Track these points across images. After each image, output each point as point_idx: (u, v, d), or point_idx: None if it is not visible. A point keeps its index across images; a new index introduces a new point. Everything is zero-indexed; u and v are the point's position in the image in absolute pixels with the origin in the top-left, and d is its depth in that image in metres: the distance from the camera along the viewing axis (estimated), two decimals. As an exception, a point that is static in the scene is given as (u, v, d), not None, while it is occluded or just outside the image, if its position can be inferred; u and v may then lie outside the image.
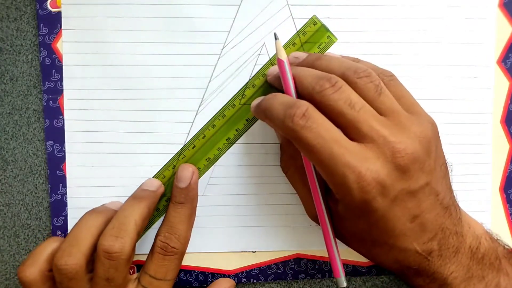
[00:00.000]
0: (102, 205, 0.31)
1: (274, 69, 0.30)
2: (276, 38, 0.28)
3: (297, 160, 0.29)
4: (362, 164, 0.24)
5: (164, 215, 0.30)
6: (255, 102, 0.29)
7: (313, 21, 0.31)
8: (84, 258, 0.27)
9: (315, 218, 0.29)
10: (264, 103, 0.27)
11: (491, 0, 0.33)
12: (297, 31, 0.32)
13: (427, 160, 0.25)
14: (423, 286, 0.27)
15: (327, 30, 0.31)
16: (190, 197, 0.29)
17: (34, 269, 0.27)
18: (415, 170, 0.24)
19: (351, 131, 0.25)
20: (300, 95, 0.27)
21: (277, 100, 0.26)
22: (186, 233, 0.29)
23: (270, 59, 0.32)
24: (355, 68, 0.26)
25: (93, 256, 0.28)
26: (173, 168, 0.31)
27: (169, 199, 0.30)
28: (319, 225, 0.29)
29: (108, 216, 0.29)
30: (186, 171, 0.30)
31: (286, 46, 0.31)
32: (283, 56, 0.28)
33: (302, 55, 0.30)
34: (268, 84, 0.31)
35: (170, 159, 0.32)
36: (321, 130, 0.24)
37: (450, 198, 0.26)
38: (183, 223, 0.29)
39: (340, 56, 0.30)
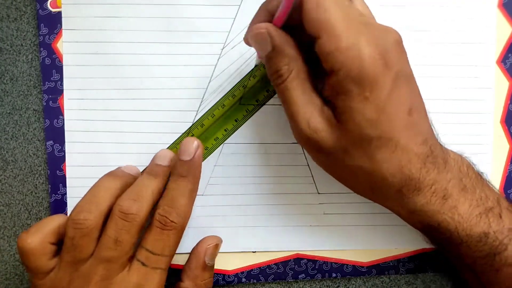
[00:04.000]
0: (118, 168, 0.30)
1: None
2: None
3: (298, 61, 0.26)
4: (371, 36, 0.24)
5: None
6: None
7: None
8: (101, 217, 0.27)
9: (305, 137, 0.26)
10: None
11: (491, 0, 0.33)
12: None
13: (406, 56, 0.26)
14: (427, 204, 0.26)
15: None
16: (193, 171, 0.28)
17: (36, 238, 0.27)
18: (405, 54, 0.26)
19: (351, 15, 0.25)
20: None
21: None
22: (186, 207, 0.28)
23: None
24: None
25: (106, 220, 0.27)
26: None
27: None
28: (314, 146, 0.26)
29: (125, 181, 0.29)
30: (191, 144, 0.28)
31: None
32: None
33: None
34: (265, 79, 0.31)
35: (179, 137, 0.31)
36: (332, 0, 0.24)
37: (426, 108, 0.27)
38: (184, 197, 0.28)
39: None
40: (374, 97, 0.24)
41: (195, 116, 0.32)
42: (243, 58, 0.32)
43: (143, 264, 0.27)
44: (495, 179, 0.34)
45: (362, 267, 0.33)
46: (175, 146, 0.31)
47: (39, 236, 0.27)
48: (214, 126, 0.32)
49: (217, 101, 0.32)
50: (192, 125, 0.31)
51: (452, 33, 0.33)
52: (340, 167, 0.27)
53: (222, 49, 0.32)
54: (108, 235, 0.26)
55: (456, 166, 0.27)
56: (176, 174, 0.28)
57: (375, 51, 0.24)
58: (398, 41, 0.25)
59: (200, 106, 0.32)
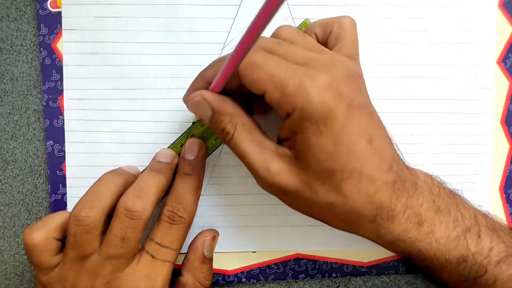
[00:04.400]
0: (119, 168, 0.31)
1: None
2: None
3: (241, 115, 0.27)
4: (313, 72, 0.24)
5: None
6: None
7: (305, 24, 0.32)
8: (103, 214, 0.27)
9: (268, 183, 0.26)
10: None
11: (491, 0, 0.33)
12: None
13: (363, 81, 0.26)
14: (404, 232, 0.26)
15: None
16: (197, 169, 0.29)
17: (41, 233, 0.27)
18: (360, 83, 0.26)
19: (291, 61, 0.25)
20: None
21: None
22: (193, 204, 0.29)
23: None
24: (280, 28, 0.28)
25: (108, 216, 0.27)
26: (192, 136, 0.31)
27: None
28: (278, 191, 0.26)
29: (127, 179, 0.29)
30: (194, 144, 0.30)
31: None
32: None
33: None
34: None
35: (178, 137, 0.31)
36: (266, 55, 0.25)
37: (388, 133, 0.27)
38: (190, 194, 0.29)
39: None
40: (329, 130, 0.24)
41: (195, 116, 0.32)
42: (243, 58, 0.32)
43: (153, 256, 0.27)
44: (495, 179, 0.34)
45: (362, 267, 0.33)
46: (175, 146, 0.31)
47: (44, 232, 0.27)
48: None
49: None
50: (192, 124, 0.31)
51: (452, 33, 0.33)
52: (310, 205, 0.26)
53: (222, 49, 0.32)
54: (114, 233, 0.26)
55: (426, 188, 0.27)
56: (181, 173, 0.29)
57: (322, 85, 0.24)
58: (348, 72, 0.25)
59: (200, 106, 0.32)
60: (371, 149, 0.25)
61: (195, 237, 0.31)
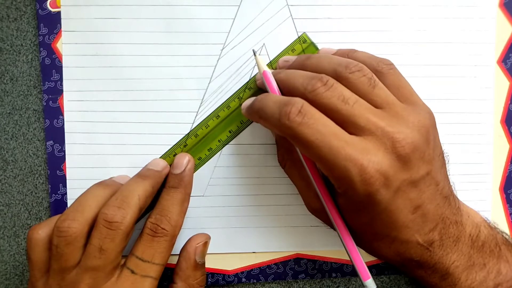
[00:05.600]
0: (109, 178, 0.31)
1: (243, 106, 0.30)
2: (254, 54, 0.29)
3: (293, 153, 0.29)
4: (363, 156, 0.23)
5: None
6: (246, 103, 0.29)
7: (303, 38, 0.32)
8: (86, 225, 0.26)
9: (314, 211, 0.29)
10: (257, 103, 0.27)
11: (491, 0, 0.33)
12: (286, 47, 0.32)
13: (426, 150, 0.25)
14: (425, 277, 0.27)
15: (317, 48, 0.32)
16: (184, 183, 0.29)
17: (46, 230, 0.27)
18: (415, 159, 0.24)
19: (348, 125, 0.24)
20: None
21: (270, 99, 0.26)
22: (177, 216, 0.28)
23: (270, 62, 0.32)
24: (346, 63, 0.26)
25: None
26: (184, 146, 0.31)
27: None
28: (319, 218, 0.29)
29: (114, 190, 0.28)
30: (182, 159, 0.30)
31: (274, 62, 0.32)
32: (264, 68, 0.28)
33: (291, 58, 0.30)
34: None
35: (182, 138, 0.31)
36: (319, 125, 0.24)
37: (448, 188, 0.27)
38: (174, 206, 0.28)
39: (334, 50, 0.30)
40: (369, 212, 0.25)
41: (195, 117, 0.32)
42: (243, 59, 0.32)
43: (132, 271, 0.27)
44: (495, 179, 0.34)
45: (362, 267, 0.33)
46: (168, 156, 0.31)
47: (48, 229, 0.27)
48: (219, 127, 0.32)
49: (211, 112, 0.32)
50: (185, 135, 0.31)
51: (452, 33, 0.33)
52: None
53: (222, 49, 0.32)
54: (93, 243, 0.26)
55: (468, 243, 0.27)
56: (168, 186, 0.29)
57: (367, 176, 0.23)
58: (406, 152, 0.24)
59: (200, 107, 0.32)
60: (414, 217, 0.25)
61: (186, 244, 0.30)
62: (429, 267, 0.26)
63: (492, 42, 0.33)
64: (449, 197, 0.26)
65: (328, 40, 0.32)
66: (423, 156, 0.24)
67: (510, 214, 0.34)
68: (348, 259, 0.28)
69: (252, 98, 0.29)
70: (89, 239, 0.26)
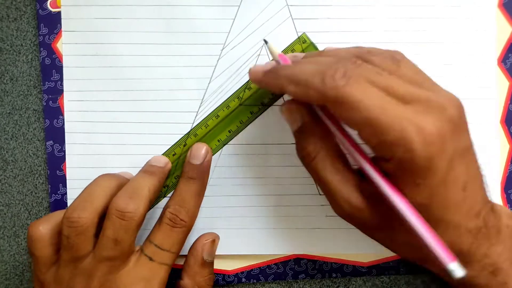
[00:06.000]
0: (114, 173, 0.31)
1: (255, 70, 0.27)
2: (265, 42, 0.28)
3: (327, 140, 0.25)
4: (418, 116, 0.21)
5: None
6: (261, 68, 0.27)
7: (303, 39, 0.32)
8: (96, 215, 0.27)
9: (353, 209, 0.25)
10: (287, 69, 0.25)
11: (491, 0, 0.33)
12: (286, 48, 0.32)
13: (466, 119, 0.23)
14: (475, 278, 0.25)
15: (316, 49, 0.32)
16: (202, 174, 0.29)
17: (47, 226, 0.27)
18: (463, 124, 0.23)
19: (390, 95, 0.22)
20: None
21: (305, 63, 0.24)
22: (195, 208, 0.29)
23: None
24: (366, 49, 0.25)
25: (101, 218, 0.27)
26: (184, 145, 0.31)
27: (178, 177, 0.30)
28: (354, 221, 0.26)
29: (121, 181, 0.29)
30: (201, 149, 0.30)
31: None
32: (276, 55, 0.27)
33: (299, 55, 0.29)
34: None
35: (182, 137, 0.31)
36: (366, 87, 0.22)
37: (481, 172, 0.25)
38: (192, 198, 0.29)
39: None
40: (427, 184, 0.22)
41: (195, 117, 0.32)
42: (243, 59, 0.32)
43: (151, 259, 0.27)
44: (495, 179, 0.34)
45: (362, 267, 0.33)
46: (168, 154, 0.31)
47: (50, 225, 0.27)
48: (218, 127, 0.32)
49: (211, 112, 0.32)
50: (186, 134, 0.31)
51: (452, 33, 0.33)
52: (386, 240, 0.26)
53: (222, 49, 0.32)
54: (107, 235, 0.26)
55: (508, 233, 0.25)
56: (186, 176, 0.29)
57: (429, 138, 0.21)
58: (457, 115, 0.22)
59: (200, 107, 0.32)
60: (465, 195, 0.23)
61: (195, 241, 0.31)
62: (478, 261, 0.24)
63: (492, 42, 0.33)
64: (484, 181, 0.25)
65: (328, 40, 0.32)
66: (466, 125, 0.23)
67: (510, 214, 0.34)
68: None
69: (265, 64, 0.27)
70: (102, 230, 0.26)
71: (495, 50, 0.33)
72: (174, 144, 0.32)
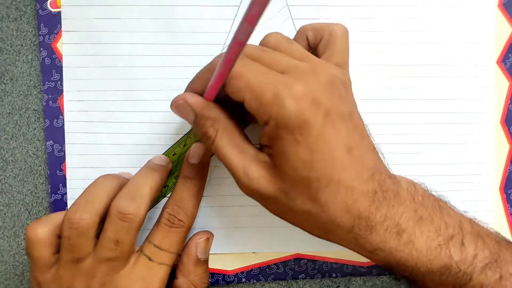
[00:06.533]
0: (114, 173, 0.31)
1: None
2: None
3: (223, 121, 0.27)
4: (291, 80, 0.24)
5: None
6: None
7: None
8: (98, 216, 0.27)
9: (249, 189, 0.26)
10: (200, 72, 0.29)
11: (491, 0, 0.33)
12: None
13: (349, 88, 0.26)
14: (384, 242, 0.25)
15: None
16: (200, 174, 0.29)
17: (45, 228, 0.27)
18: (343, 92, 0.25)
19: (273, 69, 0.25)
20: None
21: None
22: (193, 208, 0.29)
23: None
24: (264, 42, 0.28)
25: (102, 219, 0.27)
26: (184, 145, 0.31)
27: (178, 177, 0.30)
28: (258, 197, 0.26)
29: (122, 182, 0.29)
30: (199, 149, 0.30)
31: None
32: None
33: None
34: None
35: (182, 137, 0.31)
36: (250, 62, 0.26)
37: (375, 145, 0.26)
38: (191, 198, 0.29)
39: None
40: (305, 139, 0.24)
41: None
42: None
43: (150, 259, 0.27)
44: (495, 179, 0.34)
45: (362, 267, 0.33)
46: (168, 155, 0.31)
47: (47, 227, 0.27)
48: None
49: None
50: (186, 134, 0.31)
51: (452, 33, 0.33)
52: (287, 212, 0.26)
53: (222, 50, 0.32)
54: (108, 236, 0.26)
55: (409, 197, 0.26)
56: (183, 176, 0.29)
57: (298, 94, 0.24)
58: (330, 80, 0.25)
59: (200, 106, 0.32)
60: (351, 158, 0.24)
61: (189, 240, 0.31)
62: (379, 222, 0.25)
63: (491, 42, 0.33)
64: (378, 152, 0.26)
65: (328, 40, 0.32)
66: (347, 93, 0.26)
67: (510, 214, 0.34)
68: None
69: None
70: (103, 231, 0.27)
71: (495, 50, 0.33)
72: (174, 144, 0.32)
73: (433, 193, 0.28)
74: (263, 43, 0.28)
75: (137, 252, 0.28)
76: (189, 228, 0.29)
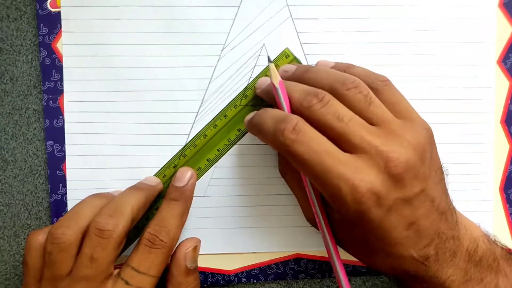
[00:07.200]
0: (105, 192, 0.31)
1: (263, 82, 0.30)
2: (269, 61, 0.28)
3: (292, 166, 0.28)
4: (355, 175, 0.23)
5: None
6: (248, 117, 0.30)
7: (286, 53, 0.32)
8: (80, 233, 0.26)
9: (313, 222, 0.29)
10: (256, 118, 0.27)
11: (491, 0, 0.33)
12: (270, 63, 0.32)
13: (421, 167, 0.25)
14: None
15: (299, 62, 0.32)
16: (185, 197, 0.29)
17: (45, 236, 0.27)
18: (409, 178, 0.24)
19: (342, 143, 0.24)
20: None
21: (268, 114, 0.26)
22: (176, 229, 0.28)
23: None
24: (343, 79, 0.26)
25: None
26: (174, 167, 0.31)
27: None
28: (317, 229, 0.28)
29: (110, 201, 0.28)
30: (185, 173, 0.30)
31: (259, 77, 0.32)
32: (276, 80, 0.27)
33: (291, 68, 0.30)
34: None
35: (171, 159, 0.32)
36: (313, 143, 0.24)
37: (446, 203, 0.26)
38: (174, 218, 0.28)
39: (331, 63, 0.30)
40: (362, 228, 0.25)
41: (196, 117, 0.32)
42: (243, 59, 0.32)
43: (127, 283, 0.26)
44: (495, 179, 0.34)
45: (362, 267, 0.33)
46: (158, 176, 0.31)
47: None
48: (207, 146, 0.32)
49: (208, 122, 0.32)
50: (174, 155, 0.31)
51: (452, 33, 0.33)
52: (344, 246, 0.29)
53: (222, 50, 0.32)
54: (84, 252, 0.26)
55: (465, 257, 0.26)
56: (168, 198, 0.29)
57: (357, 195, 0.23)
58: (397, 172, 0.24)
59: (200, 107, 0.32)
60: (407, 233, 0.25)
61: (176, 250, 0.29)
62: (424, 280, 0.26)
63: (492, 42, 0.33)
64: (446, 212, 0.26)
65: (328, 41, 0.32)
66: (417, 175, 0.24)
67: (510, 214, 0.34)
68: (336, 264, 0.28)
69: (254, 112, 0.29)
70: (81, 247, 0.26)
71: (495, 50, 0.33)
72: (173, 156, 0.32)
73: (503, 247, 0.28)
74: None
75: (116, 276, 0.27)
76: (170, 250, 0.28)
